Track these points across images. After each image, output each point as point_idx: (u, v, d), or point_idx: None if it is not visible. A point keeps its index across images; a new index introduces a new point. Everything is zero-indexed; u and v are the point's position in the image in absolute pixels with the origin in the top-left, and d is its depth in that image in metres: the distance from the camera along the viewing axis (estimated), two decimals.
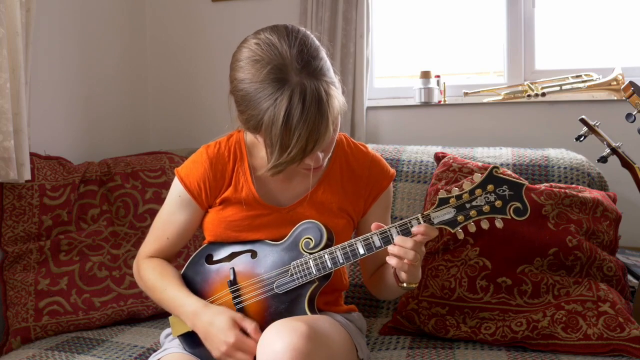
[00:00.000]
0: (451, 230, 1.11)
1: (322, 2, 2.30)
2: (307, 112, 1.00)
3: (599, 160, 1.57)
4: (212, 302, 1.21)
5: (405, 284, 1.16)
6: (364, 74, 2.30)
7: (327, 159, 1.16)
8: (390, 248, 1.10)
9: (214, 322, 1.13)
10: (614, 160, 1.56)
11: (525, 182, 1.11)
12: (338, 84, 1.09)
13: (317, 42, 1.09)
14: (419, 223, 1.11)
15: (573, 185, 1.66)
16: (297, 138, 1.00)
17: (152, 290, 1.26)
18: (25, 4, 1.72)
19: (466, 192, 1.11)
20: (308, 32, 1.09)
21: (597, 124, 1.58)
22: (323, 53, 1.08)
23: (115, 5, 2.41)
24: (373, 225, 1.12)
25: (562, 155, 1.81)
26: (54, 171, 1.81)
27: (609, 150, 1.56)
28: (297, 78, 1.01)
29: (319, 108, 1.01)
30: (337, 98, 1.05)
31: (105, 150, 2.26)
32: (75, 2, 2.17)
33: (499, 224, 1.11)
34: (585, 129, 1.60)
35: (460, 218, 1.11)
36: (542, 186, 1.61)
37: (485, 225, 1.11)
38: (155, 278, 1.25)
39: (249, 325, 1.12)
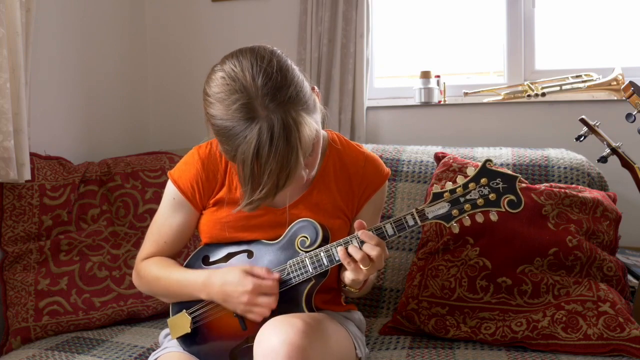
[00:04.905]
0: (446, 224, 1.11)
1: (322, 2, 2.30)
2: (276, 147, 0.98)
3: (599, 160, 1.57)
4: (209, 304, 1.22)
5: (346, 287, 1.19)
6: (364, 74, 2.30)
7: (312, 172, 1.15)
8: (353, 251, 1.09)
9: (227, 280, 1.14)
10: (614, 160, 1.56)
11: (518, 175, 1.11)
12: (314, 103, 1.08)
13: (285, 63, 1.06)
14: (414, 218, 1.12)
15: (573, 185, 1.66)
16: (268, 175, 1.00)
17: (155, 282, 1.26)
18: (25, 4, 1.73)
19: (460, 186, 1.11)
20: (276, 54, 1.06)
21: (597, 124, 1.58)
22: (293, 74, 1.05)
23: (115, 6, 2.41)
24: (356, 224, 1.11)
25: (562, 155, 1.81)
26: (54, 171, 1.81)
27: (609, 150, 1.55)
28: (264, 112, 0.99)
29: (287, 142, 0.99)
30: (309, 125, 1.03)
31: (105, 150, 2.27)
32: (75, 2, 2.17)
33: (493, 217, 1.11)
34: (585, 129, 1.60)
35: (454, 212, 1.11)
36: (542, 186, 1.61)
37: (479, 218, 1.11)
38: (157, 269, 1.26)
39: (260, 270, 1.14)
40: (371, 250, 1.08)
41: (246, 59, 1.05)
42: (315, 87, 1.13)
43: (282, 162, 1.00)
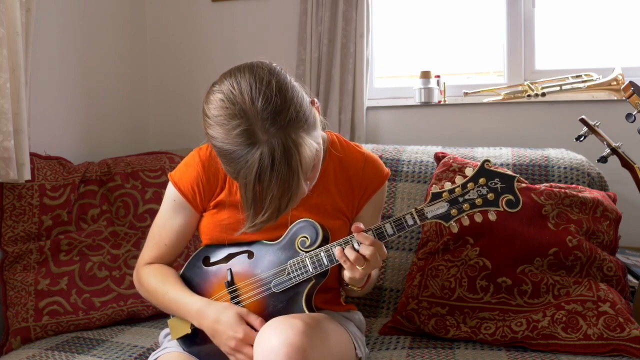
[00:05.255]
0: (445, 224, 1.12)
1: (322, 2, 2.30)
2: (277, 172, 0.98)
3: (599, 160, 1.57)
4: None
5: (348, 286, 1.20)
6: (364, 74, 2.30)
7: (313, 183, 1.15)
8: (348, 252, 1.10)
9: (221, 319, 1.14)
10: (614, 160, 1.56)
11: (516, 175, 1.12)
12: (314, 118, 1.07)
13: (284, 81, 1.04)
14: (413, 218, 1.13)
15: (573, 185, 1.66)
16: (270, 200, 1.00)
17: (154, 295, 1.26)
18: (25, 4, 1.73)
19: (458, 186, 1.12)
20: (274, 72, 1.04)
21: (597, 124, 1.58)
22: (292, 93, 1.03)
23: (115, 5, 2.41)
24: (353, 228, 1.12)
25: (562, 155, 1.81)
26: (54, 171, 1.81)
27: (609, 150, 1.55)
28: (265, 136, 0.99)
29: (288, 165, 0.99)
30: (309, 146, 1.03)
31: (105, 150, 2.27)
32: (75, 2, 2.17)
33: (492, 216, 1.12)
34: (585, 129, 1.60)
35: (453, 212, 1.11)
36: (542, 186, 1.61)
37: (478, 218, 1.12)
38: (156, 282, 1.26)
39: (255, 320, 1.13)
40: (365, 250, 1.10)
41: (245, 79, 1.03)
42: (315, 100, 1.12)
43: (283, 186, 1.00)
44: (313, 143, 1.04)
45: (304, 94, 1.07)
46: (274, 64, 1.08)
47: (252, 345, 1.10)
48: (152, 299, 1.28)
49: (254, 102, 1.00)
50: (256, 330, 1.11)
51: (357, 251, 1.10)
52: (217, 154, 1.06)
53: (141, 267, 1.31)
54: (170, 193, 1.28)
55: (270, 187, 0.99)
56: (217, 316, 1.14)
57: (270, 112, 0.99)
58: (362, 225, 1.12)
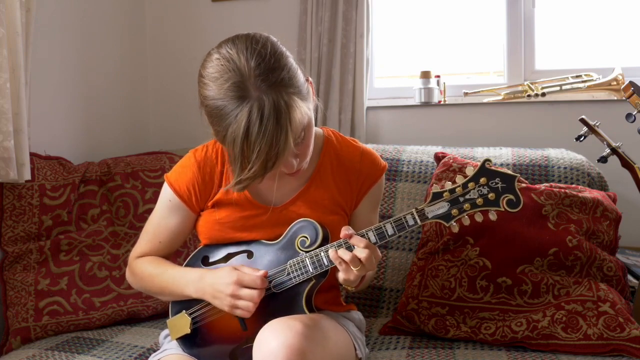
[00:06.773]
0: (445, 224, 1.12)
1: (322, 2, 2.30)
2: (265, 127, 0.99)
3: (599, 160, 1.57)
4: (209, 303, 1.21)
5: (342, 285, 1.20)
6: (364, 74, 2.30)
7: (305, 163, 1.15)
8: (342, 254, 1.10)
9: (217, 274, 1.16)
10: (614, 160, 1.56)
11: (517, 175, 1.12)
12: (307, 91, 1.09)
13: (280, 48, 1.08)
14: (414, 218, 1.12)
15: (573, 185, 1.66)
16: (257, 153, 1.01)
17: (149, 279, 1.26)
18: (25, 4, 1.73)
19: (459, 186, 1.11)
20: (271, 40, 1.09)
21: (597, 124, 1.58)
22: (287, 60, 1.07)
23: (115, 5, 2.41)
24: (342, 234, 1.12)
25: (562, 155, 1.81)
26: (54, 171, 1.81)
27: (609, 150, 1.55)
28: (256, 93, 1.01)
29: (277, 122, 1.00)
30: (300, 109, 1.04)
31: (105, 150, 2.27)
32: (75, 2, 2.17)
33: (492, 216, 1.12)
34: (585, 129, 1.59)
35: (454, 212, 1.11)
36: (542, 186, 1.61)
37: (479, 218, 1.12)
38: (151, 267, 1.27)
39: (247, 268, 1.15)
40: (360, 252, 1.10)
41: (242, 42, 1.07)
42: (310, 78, 1.14)
43: (271, 141, 1.00)
44: (305, 108, 1.06)
45: (298, 68, 1.10)
46: (272, 35, 1.11)
47: (247, 287, 1.12)
48: (147, 285, 1.28)
49: (248, 60, 1.03)
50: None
51: (352, 252, 1.10)
52: (208, 116, 1.08)
53: (133, 260, 1.32)
54: (166, 193, 1.28)
55: (257, 141, 1.00)
56: (215, 274, 1.17)
57: (263, 69, 1.02)
58: (350, 231, 1.12)
